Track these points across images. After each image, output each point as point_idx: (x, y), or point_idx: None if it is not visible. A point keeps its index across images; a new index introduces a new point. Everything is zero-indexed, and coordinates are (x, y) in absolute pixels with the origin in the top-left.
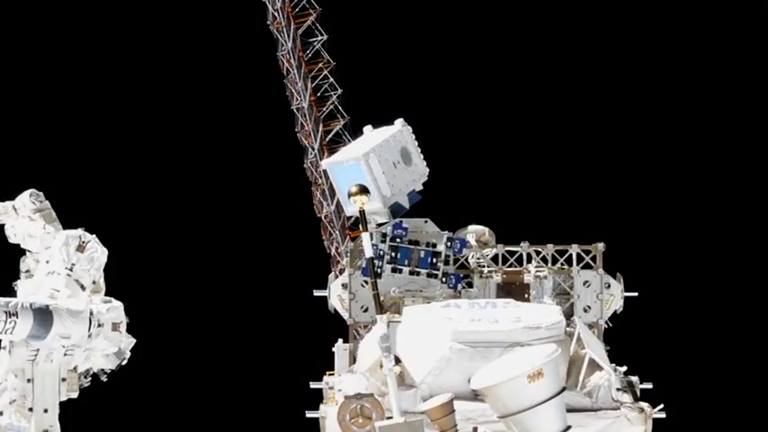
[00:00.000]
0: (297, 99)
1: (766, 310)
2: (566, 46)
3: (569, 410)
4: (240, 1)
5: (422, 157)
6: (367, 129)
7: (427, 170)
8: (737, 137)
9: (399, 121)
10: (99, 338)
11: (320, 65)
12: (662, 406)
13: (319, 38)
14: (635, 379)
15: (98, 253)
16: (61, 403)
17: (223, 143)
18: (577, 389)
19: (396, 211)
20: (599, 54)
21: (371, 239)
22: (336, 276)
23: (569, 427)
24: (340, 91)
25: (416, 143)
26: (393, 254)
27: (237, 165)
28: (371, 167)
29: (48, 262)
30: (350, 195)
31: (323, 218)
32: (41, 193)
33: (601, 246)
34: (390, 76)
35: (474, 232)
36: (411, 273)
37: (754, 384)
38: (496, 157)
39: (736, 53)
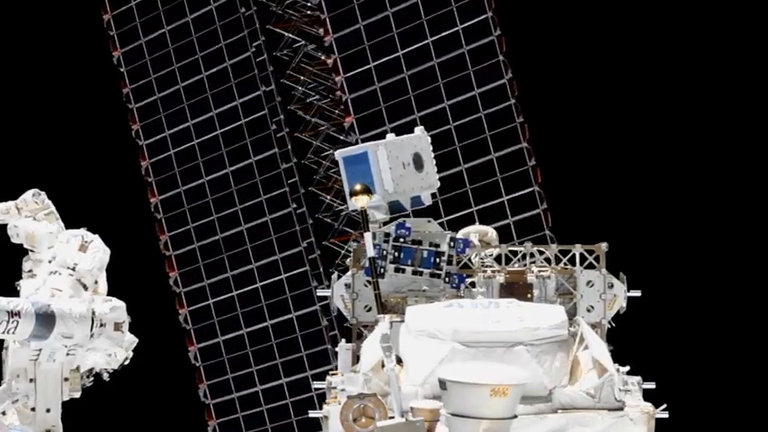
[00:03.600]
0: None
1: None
2: (567, 49)
3: (572, 410)
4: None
5: (435, 169)
6: (389, 136)
7: (438, 183)
8: (738, 137)
9: (419, 129)
10: (101, 338)
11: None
12: (665, 406)
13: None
14: (636, 379)
15: (100, 253)
16: (63, 403)
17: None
18: (580, 389)
19: (395, 209)
20: (601, 57)
21: (374, 239)
22: (339, 277)
23: None
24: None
25: (432, 155)
26: (396, 254)
27: None
28: (378, 158)
29: (50, 262)
30: (352, 194)
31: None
32: (43, 193)
33: (604, 246)
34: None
35: (477, 232)
36: (414, 273)
37: (756, 383)
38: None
39: (737, 54)
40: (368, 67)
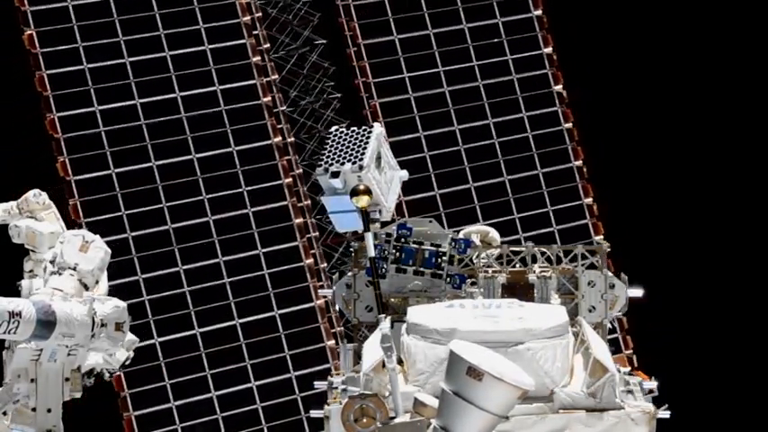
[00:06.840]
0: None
1: None
2: (562, 47)
3: (573, 410)
4: None
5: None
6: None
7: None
8: (738, 137)
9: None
10: (102, 338)
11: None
12: (666, 405)
13: (320, 41)
14: (636, 380)
15: (101, 253)
16: (64, 403)
17: None
18: (582, 389)
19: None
20: (599, 55)
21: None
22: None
23: None
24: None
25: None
26: (397, 254)
27: None
28: (396, 181)
29: (51, 262)
30: (354, 193)
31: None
32: (45, 193)
33: (605, 246)
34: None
35: (478, 232)
36: (415, 273)
37: (758, 383)
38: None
39: (743, 55)
40: (403, 76)
